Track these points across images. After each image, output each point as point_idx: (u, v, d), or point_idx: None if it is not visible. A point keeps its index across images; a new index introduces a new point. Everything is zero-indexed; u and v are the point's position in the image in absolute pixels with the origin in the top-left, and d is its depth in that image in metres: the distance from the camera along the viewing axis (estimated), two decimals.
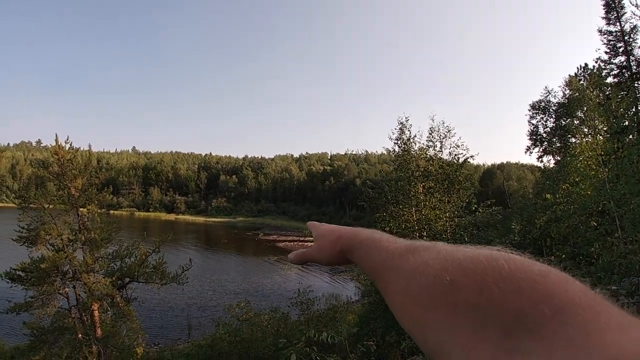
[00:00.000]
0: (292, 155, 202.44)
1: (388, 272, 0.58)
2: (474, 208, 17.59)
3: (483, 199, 19.18)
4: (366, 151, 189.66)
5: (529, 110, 37.57)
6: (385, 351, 10.44)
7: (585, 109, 32.58)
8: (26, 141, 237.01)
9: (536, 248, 17.26)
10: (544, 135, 36.64)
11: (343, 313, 23.60)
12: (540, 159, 37.33)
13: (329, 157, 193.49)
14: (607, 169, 13.58)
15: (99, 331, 18.24)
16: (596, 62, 26.81)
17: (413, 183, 17.91)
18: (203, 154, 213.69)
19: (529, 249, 17.65)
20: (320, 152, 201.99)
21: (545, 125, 36.69)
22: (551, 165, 34.91)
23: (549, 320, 0.35)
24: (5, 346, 22.82)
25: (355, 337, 15.93)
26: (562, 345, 0.33)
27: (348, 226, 0.85)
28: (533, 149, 37.57)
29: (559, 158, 32.55)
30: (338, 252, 0.81)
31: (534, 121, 37.29)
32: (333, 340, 5.34)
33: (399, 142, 19.17)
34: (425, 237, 17.10)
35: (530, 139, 37.60)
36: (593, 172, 14.83)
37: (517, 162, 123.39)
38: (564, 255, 8.43)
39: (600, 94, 21.69)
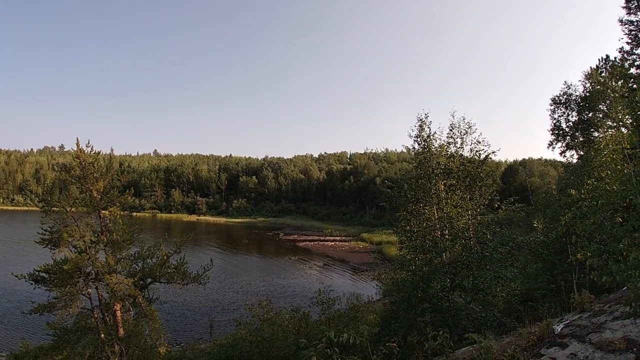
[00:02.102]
0: (311, 155, 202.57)
1: None
2: (496, 205, 17.18)
3: (505, 196, 18.72)
4: (386, 149, 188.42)
5: (550, 104, 36.77)
6: (407, 352, 10.21)
7: (608, 101, 31.75)
8: (49, 146, 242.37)
9: (560, 246, 16.76)
10: (566, 129, 35.84)
11: (364, 313, 23.36)
12: (563, 154, 36.53)
13: (348, 157, 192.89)
14: (632, 163, 13.08)
15: (121, 331, 18.40)
16: (620, 52, 25.82)
17: (434, 181, 17.59)
18: (223, 156, 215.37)
19: (553, 246, 17.16)
20: (339, 151, 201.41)
21: (567, 119, 35.90)
22: (574, 160, 34.13)
23: None
24: (29, 346, 23.23)
25: (376, 337, 15.73)
26: None
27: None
28: (555, 144, 36.75)
29: (582, 153, 31.78)
30: None
31: (555, 115, 36.50)
32: (354, 341, 5.19)
33: (418, 139, 18.84)
34: (447, 236, 16.81)
35: (552, 133, 36.79)
36: (619, 167, 14.31)
37: (539, 157, 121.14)
38: (589, 254, 8.07)
39: (624, 86, 20.92)
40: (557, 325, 5.47)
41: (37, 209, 19.42)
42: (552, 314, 6.69)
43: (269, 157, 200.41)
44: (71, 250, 17.64)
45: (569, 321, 5.59)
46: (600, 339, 4.48)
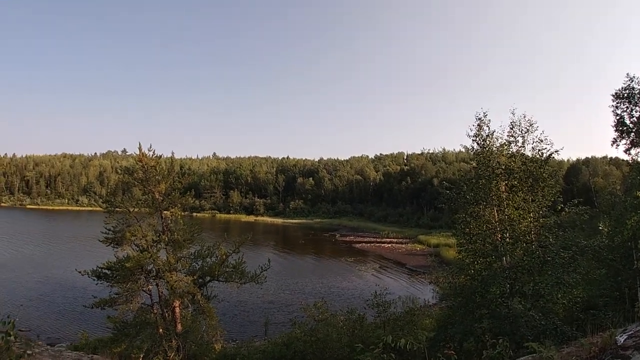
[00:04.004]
0: (367, 157, 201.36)
1: None
2: (559, 207, 16.28)
3: (568, 197, 17.72)
4: (443, 149, 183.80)
5: (613, 99, 34.51)
6: (464, 359, 9.86)
7: None
8: (112, 150, 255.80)
9: (625, 251, 15.65)
10: (631, 125, 33.48)
11: (420, 317, 22.88)
12: (627, 152, 34.15)
13: (404, 157, 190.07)
14: None
15: (179, 326, 19.10)
16: None
17: (494, 181, 16.93)
18: (280, 158, 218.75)
19: (618, 251, 16.02)
20: (396, 152, 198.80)
21: (631, 115, 33.52)
22: None
23: None
24: (88, 338, 24.47)
25: (431, 342, 15.34)
26: None
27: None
28: (620, 141, 34.44)
29: None
30: None
31: (618, 111, 34.18)
32: (411, 347, 5.05)
33: (477, 138, 18.23)
34: (507, 239, 16.11)
35: (616, 130, 34.50)
36: None
37: (604, 156, 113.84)
38: None
39: None
40: (621, 336, 5.05)
41: (100, 209, 20.42)
42: (616, 324, 6.20)
43: (325, 158, 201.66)
44: (133, 249, 18.46)
45: (632, 332, 5.14)
46: None
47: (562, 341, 9.57)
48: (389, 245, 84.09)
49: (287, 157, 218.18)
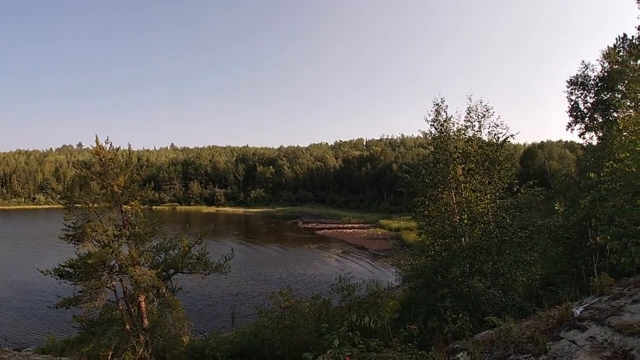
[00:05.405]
0: (327, 144, 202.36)
1: None
2: (515, 189, 17.02)
3: (524, 180, 18.53)
4: (402, 135, 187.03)
5: (567, 86, 36.04)
6: (427, 336, 10.26)
7: (626, 81, 30.96)
8: (67, 145, 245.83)
9: (580, 229, 16.58)
10: (585, 111, 35.15)
11: (384, 299, 23.47)
12: (582, 136, 35.89)
13: (364, 143, 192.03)
14: None
15: (146, 322, 18.84)
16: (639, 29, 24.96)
17: (452, 165, 17.48)
18: (240, 146, 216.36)
19: (574, 230, 16.96)
20: (355, 138, 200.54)
21: (585, 100, 35.18)
22: (594, 142, 33.53)
23: None
24: (55, 340, 23.86)
25: (397, 322, 15.81)
26: None
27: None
28: (574, 125, 36.12)
29: (601, 134, 31.19)
30: None
31: (573, 97, 35.77)
32: (375, 325, 5.27)
33: (435, 123, 18.74)
34: (465, 220, 16.73)
35: (570, 115, 36.14)
36: (639, 148, 14.01)
37: (559, 140, 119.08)
38: (609, 237, 7.97)
39: None
40: (577, 309, 5.45)
41: (58, 206, 19.70)
42: (572, 298, 6.65)
43: (285, 146, 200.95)
44: (95, 245, 18.02)
45: (588, 304, 5.56)
46: (619, 322, 4.46)
47: (522, 316, 10.11)
48: (351, 230, 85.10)
49: (247, 146, 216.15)
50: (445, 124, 18.40)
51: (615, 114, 30.82)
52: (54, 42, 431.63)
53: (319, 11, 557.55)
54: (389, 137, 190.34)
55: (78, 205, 18.05)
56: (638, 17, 21.92)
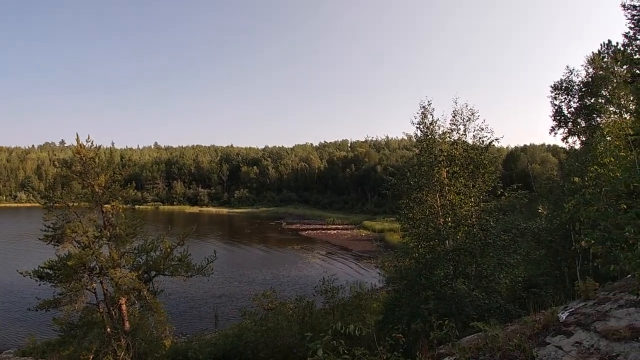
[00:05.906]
0: (311, 144, 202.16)
1: None
2: (499, 192, 17.16)
3: (507, 183, 18.70)
4: (387, 137, 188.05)
5: (551, 90, 36.62)
6: (412, 339, 10.25)
7: (610, 87, 31.60)
8: (50, 142, 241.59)
9: (564, 232, 16.78)
10: (569, 115, 35.76)
11: (368, 301, 23.51)
12: (565, 140, 36.50)
13: (349, 145, 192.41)
14: (636, 150, 12.99)
15: (127, 324, 18.54)
16: (626, 37, 25.43)
17: (437, 168, 17.54)
18: (224, 146, 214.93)
19: (557, 233, 17.16)
20: (340, 139, 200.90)
21: (569, 105, 35.79)
22: (577, 147, 34.12)
23: None
24: (36, 342, 23.43)
25: (380, 324, 15.80)
26: None
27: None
28: (558, 130, 36.74)
29: (584, 139, 31.76)
30: None
31: (557, 102, 36.37)
32: (360, 333, 5.21)
33: (421, 126, 18.79)
34: (449, 223, 16.80)
35: (554, 119, 36.72)
36: (622, 153, 14.23)
37: (542, 144, 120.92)
38: (593, 241, 8.05)
39: (628, 72, 20.78)
40: (562, 314, 5.47)
41: (39, 205, 19.26)
42: (557, 302, 6.69)
43: (270, 146, 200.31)
44: (75, 246, 17.68)
45: (573, 309, 5.59)
46: (605, 327, 4.47)
47: (507, 319, 10.17)
48: (335, 231, 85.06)
49: (231, 146, 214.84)
50: (431, 126, 18.46)
51: (598, 119, 31.43)
52: (35, 40, 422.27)
53: (303, 10, 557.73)
54: (374, 139, 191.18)
55: (58, 205, 17.68)
56: (626, 24, 22.22)
